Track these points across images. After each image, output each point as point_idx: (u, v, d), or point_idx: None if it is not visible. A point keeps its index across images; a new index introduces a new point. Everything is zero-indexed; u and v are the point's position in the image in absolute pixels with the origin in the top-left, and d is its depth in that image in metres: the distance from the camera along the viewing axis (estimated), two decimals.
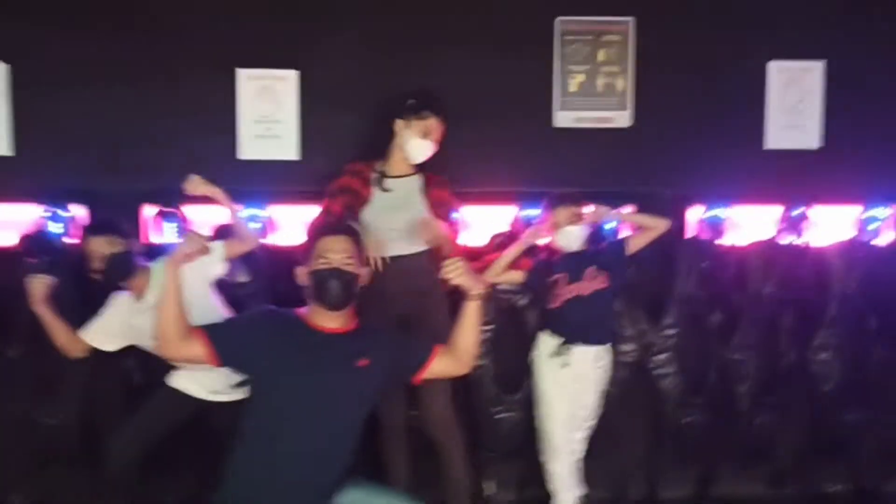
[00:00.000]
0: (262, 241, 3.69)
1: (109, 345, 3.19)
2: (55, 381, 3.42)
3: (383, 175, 3.30)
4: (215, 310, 3.13)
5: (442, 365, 2.72)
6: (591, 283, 3.30)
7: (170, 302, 2.51)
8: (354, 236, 2.70)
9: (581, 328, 3.31)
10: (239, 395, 3.08)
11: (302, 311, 2.68)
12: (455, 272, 2.60)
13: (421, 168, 3.34)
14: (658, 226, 3.34)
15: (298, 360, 2.55)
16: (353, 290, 2.63)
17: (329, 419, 2.56)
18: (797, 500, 3.82)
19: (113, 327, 3.15)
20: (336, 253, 2.61)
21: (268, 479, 2.51)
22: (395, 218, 3.22)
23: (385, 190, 3.28)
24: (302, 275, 2.67)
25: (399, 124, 3.28)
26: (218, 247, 3.12)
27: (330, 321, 2.63)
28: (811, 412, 3.79)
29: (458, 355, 2.72)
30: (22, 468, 3.59)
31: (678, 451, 3.73)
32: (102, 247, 3.04)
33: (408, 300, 3.22)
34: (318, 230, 2.73)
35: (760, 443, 3.75)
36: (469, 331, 2.70)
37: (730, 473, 3.80)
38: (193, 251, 2.58)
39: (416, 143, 3.24)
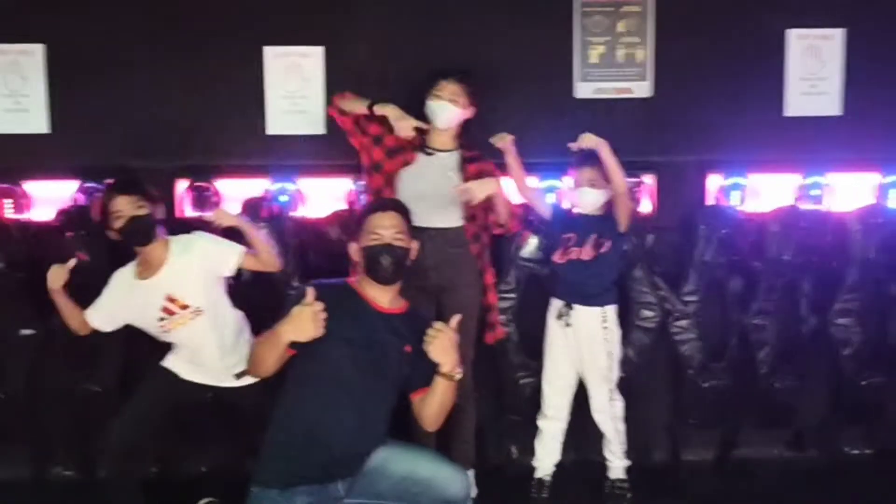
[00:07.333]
0: (293, 213, 3.78)
1: (106, 326, 3.14)
2: (96, 349, 3.50)
3: (425, 144, 3.39)
4: (224, 305, 3.15)
5: (415, 403, 2.73)
6: (592, 249, 3.36)
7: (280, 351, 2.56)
8: (404, 212, 2.81)
9: (581, 291, 3.38)
10: (245, 381, 3.09)
11: (352, 281, 2.78)
12: (434, 342, 2.56)
13: (461, 146, 3.41)
14: (619, 183, 3.28)
15: (357, 333, 2.64)
16: (404, 265, 2.74)
17: (373, 395, 2.67)
18: (818, 463, 3.87)
19: (112, 307, 3.10)
20: (386, 229, 2.72)
21: (307, 446, 2.59)
22: (431, 190, 3.28)
23: (429, 153, 3.36)
24: (354, 251, 2.78)
25: (426, 102, 3.36)
26: (238, 252, 3.08)
27: (381, 295, 2.73)
28: (831, 377, 3.83)
29: (420, 415, 2.72)
30: (65, 437, 3.70)
31: (700, 416, 3.78)
32: (126, 207, 2.95)
33: (441, 273, 3.30)
34: (369, 207, 2.86)
35: (781, 407, 3.79)
36: (433, 403, 2.65)
37: (751, 437, 3.86)
38: None
39: (432, 105, 3.30)
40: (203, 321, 3.05)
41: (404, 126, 3.28)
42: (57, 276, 3.05)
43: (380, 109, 3.32)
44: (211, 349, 3.09)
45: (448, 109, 3.30)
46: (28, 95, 3.80)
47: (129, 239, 3.00)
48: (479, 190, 3.20)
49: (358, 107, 3.36)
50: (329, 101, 3.55)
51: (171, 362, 3.15)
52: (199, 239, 3.09)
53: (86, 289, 3.14)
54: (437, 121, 3.33)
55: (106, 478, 3.14)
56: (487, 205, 3.32)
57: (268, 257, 3.12)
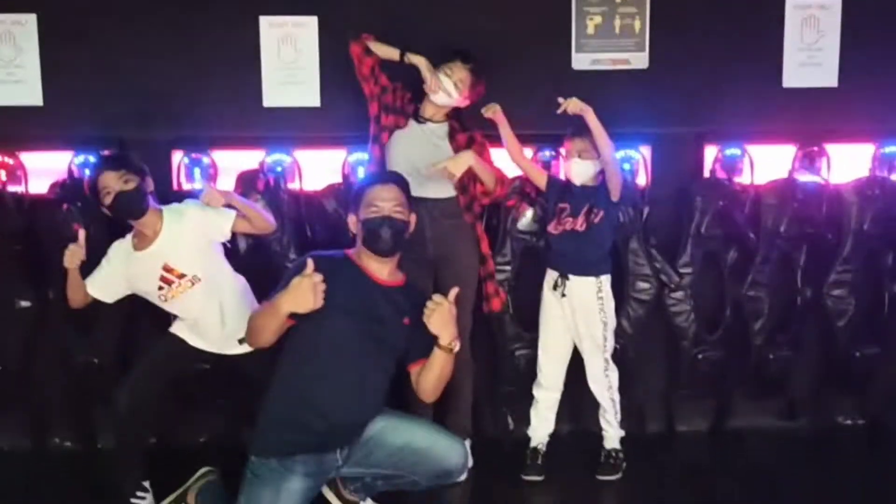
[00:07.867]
0: (289, 185, 3.77)
1: (108, 297, 3.15)
2: (93, 320, 3.51)
3: (418, 112, 3.42)
4: (223, 272, 3.16)
5: (413, 375, 2.78)
6: (585, 219, 3.37)
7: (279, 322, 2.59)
8: (403, 184, 2.81)
9: (576, 261, 3.40)
10: (248, 348, 3.06)
11: (351, 253, 2.78)
12: (433, 315, 2.60)
13: (452, 118, 3.43)
14: (605, 150, 3.28)
15: (356, 305, 2.65)
16: (403, 238, 2.75)
17: (372, 366, 2.70)
18: (810, 433, 3.91)
19: (112, 278, 3.11)
20: (386, 201, 2.72)
21: (305, 415, 2.62)
22: (423, 161, 3.30)
23: (420, 122, 3.39)
24: (353, 223, 2.78)
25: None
26: (230, 216, 3.08)
27: (380, 268, 2.74)
28: (825, 347, 3.87)
29: (418, 386, 2.75)
30: (62, 407, 3.73)
31: (694, 386, 3.82)
32: (114, 182, 2.95)
33: (439, 245, 3.34)
34: (368, 179, 2.88)
35: (775, 377, 3.82)
36: (431, 375, 2.69)
37: (744, 407, 3.90)
38: None
39: (440, 78, 3.33)
40: (201, 289, 3.07)
41: (432, 80, 3.31)
42: (74, 256, 3.05)
43: (411, 58, 3.36)
44: (212, 317, 3.11)
45: (450, 91, 3.33)
46: (22, 66, 3.77)
47: (119, 214, 3.01)
48: (455, 166, 3.23)
49: (388, 52, 3.39)
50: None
51: (177, 328, 3.18)
52: (191, 207, 3.11)
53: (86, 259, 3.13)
54: (434, 96, 3.35)
55: (113, 446, 3.19)
56: (474, 175, 3.34)
57: (260, 222, 3.13)
